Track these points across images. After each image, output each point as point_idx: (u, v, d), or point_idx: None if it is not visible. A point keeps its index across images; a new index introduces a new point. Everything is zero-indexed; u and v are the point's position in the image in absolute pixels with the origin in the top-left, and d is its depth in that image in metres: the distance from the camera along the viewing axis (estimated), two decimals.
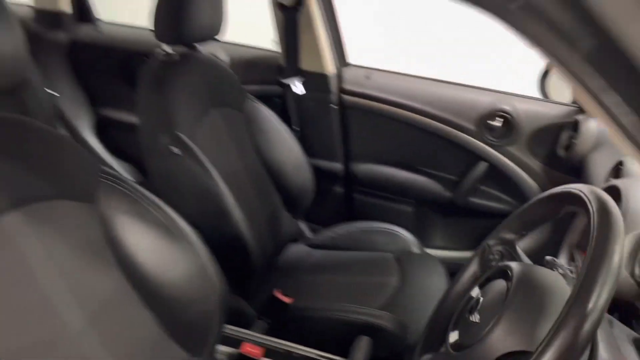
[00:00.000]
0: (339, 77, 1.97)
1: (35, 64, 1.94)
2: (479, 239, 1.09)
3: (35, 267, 0.90)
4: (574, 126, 1.64)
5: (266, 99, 1.80)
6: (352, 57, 2.02)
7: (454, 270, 1.23)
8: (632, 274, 0.89)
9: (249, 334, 1.35)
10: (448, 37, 4.37)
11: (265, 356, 1.23)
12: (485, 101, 1.79)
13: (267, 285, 1.53)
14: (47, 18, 2.23)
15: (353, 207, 2.15)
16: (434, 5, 4.25)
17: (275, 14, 1.92)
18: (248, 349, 1.21)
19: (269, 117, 1.70)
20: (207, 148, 1.45)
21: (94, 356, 0.94)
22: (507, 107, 1.76)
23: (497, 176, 1.84)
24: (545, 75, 1.76)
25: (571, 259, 1.18)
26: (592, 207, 0.74)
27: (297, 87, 1.97)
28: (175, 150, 1.38)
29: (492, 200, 1.89)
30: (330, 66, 1.95)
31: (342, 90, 1.96)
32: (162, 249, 1.08)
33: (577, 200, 0.80)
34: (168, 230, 1.09)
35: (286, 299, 1.42)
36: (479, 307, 0.85)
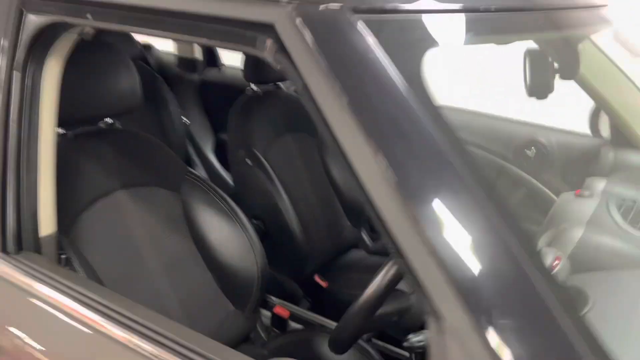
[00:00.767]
0: None
1: (174, 97, 2.58)
2: None
3: (132, 228, 1.40)
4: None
5: None
6: None
7: None
8: None
9: (292, 307, 1.76)
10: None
11: (290, 318, 1.63)
12: (522, 132, 2.03)
13: (315, 274, 1.93)
14: (186, 63, 2.89)
15: None
16: None
17: None
18: (279, 310, 1.62)
19: None
20: (277, 162, 1.90)
21: (164, 293, 1.41)
22: (541, 139, 1.98)
23: (533, 201, 2.04)
24: (595, 112, 1.94)
25: None
26: None
27: None
28: (249, 162, 1.85)
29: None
30: None
31: None
32: (223, 228, 1.52)
33: None
34: (229, 217, 1.53)
35: (323, 283, 1.80)
36: None
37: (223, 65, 2.91)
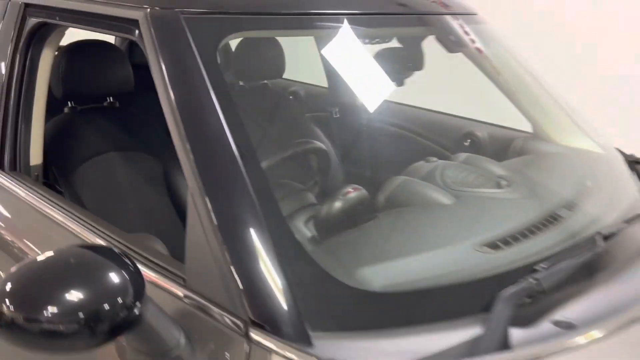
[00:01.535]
0: None
1: None
2: None
3: (119, 182, 1.88)
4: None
5: None
6: None
7: None
8: None
9: None
10: None
11: None
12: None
13: None
14: None
15: None
16: None
17: None
18: None
19: None
20: None
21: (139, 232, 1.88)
22: (477, 132, 2.27)
23: None
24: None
25: None
26: None
27: None
28: None
29: None
30: None
31: None
32: None
33: None
34: None
35: None
36: None
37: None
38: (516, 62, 1.89)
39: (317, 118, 2.18)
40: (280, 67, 2.11)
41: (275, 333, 0.84)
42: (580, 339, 0.90)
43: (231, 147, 0.99)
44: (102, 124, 1.94)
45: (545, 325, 0.92)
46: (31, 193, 1.42)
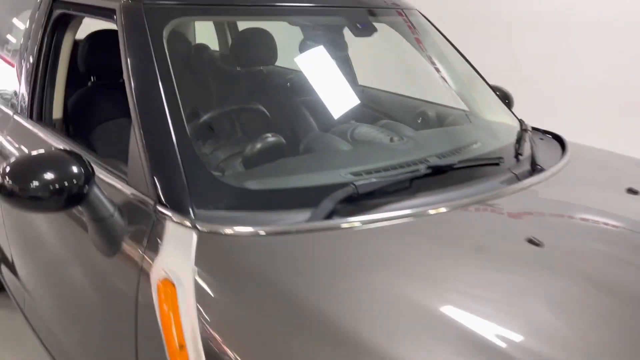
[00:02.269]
0: None
1: None
2: None
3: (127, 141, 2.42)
4: None
5: None
6: None
7: None
8: None
9: None
10: None
11: None
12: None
13: None
14: None
15: None
16: None
17: None
18: None
19: None
20: None
21: None
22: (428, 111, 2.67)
23: None
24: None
25: None
26: None
27: None
28: None
29: None
30: None
31: None
32: None
33: None
34: None
35: None
36: None
37: None
38: (449, 50, 2.30)
39: (267, 89, 2.52)
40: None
41: (172, 208, 1.32)
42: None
43: (162, 99, 1.48)
44: (116, 96, 2.48)
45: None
46: (51, 137, 1.96)
